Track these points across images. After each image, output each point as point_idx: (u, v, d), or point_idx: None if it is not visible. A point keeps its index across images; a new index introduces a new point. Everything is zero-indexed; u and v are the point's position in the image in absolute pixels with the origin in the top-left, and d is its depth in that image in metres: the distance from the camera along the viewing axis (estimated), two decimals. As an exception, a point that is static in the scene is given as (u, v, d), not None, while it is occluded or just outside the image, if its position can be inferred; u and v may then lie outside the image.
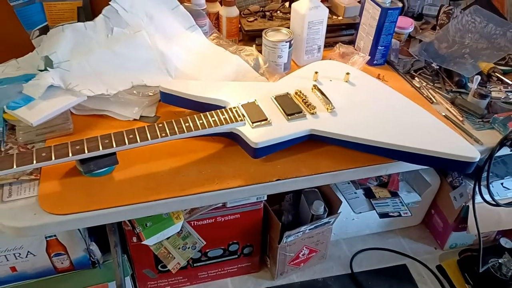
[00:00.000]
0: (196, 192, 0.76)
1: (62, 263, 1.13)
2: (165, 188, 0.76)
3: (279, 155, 0.83)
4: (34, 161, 0.71)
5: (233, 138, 0.84)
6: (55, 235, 1.07)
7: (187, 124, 0.79)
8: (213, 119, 0.81)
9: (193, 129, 0.79)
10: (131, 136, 0.76)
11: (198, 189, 0.77)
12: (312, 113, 0.85)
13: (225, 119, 0.81)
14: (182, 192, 0.76)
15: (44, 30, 0.99)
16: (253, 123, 0.81)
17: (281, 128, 0.82)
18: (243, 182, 0.79)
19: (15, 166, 0.70)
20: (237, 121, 0.81)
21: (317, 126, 0.82)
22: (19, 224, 0.70)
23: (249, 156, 0.81)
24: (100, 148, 0.74)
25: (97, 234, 1.19)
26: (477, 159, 0.79)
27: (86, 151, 0.73)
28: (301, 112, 0.84)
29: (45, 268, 1.13)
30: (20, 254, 1.07)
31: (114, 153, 0.76)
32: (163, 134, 0.77)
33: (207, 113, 0.82)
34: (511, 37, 1.14)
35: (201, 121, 0.80)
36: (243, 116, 0.82)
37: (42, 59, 0.91)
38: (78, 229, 1.09)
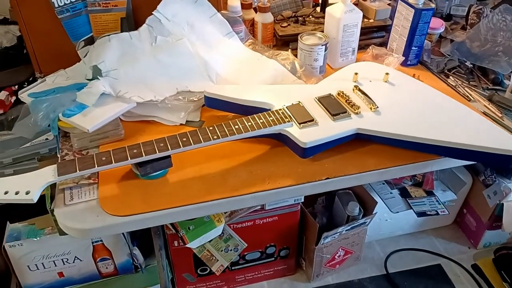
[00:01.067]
0: (249, 192, 0.78)
1: (107, 267, 1.16)
2: (219, 189, 0.79)
3: (325, 154, 0.85)
4: (96, 165, 0.74)
5: (280, 139, 0.86)
6: (101, 240, 1.10)
7: (236, 127, 0.82)
8: (261, 121, 0.83)
9: (243, 131, 0.81)
10: (184, 139, 0.79)
11: (251, 189, 0.79)
12: (357, 113, 0.87)
13: (272, 120, 0.83)
14: (235, 192, 0.78)
15: (90, 41, 1.02)
16: (300, 124, 0.83)
17: (328, 128, 0.83)
18: (294, 182, 0.81)
19: (78, 170, 0.73)
20: (284, 122, 0.83)
21: (364, 125, 0.84)
22: (84, 226, 0.73)
23: (297, 156, 0.83)
24: (157, 151, 0.77)
25: (138, 239, 1.22)
26: (524, 153, 0.80)
27: (143, 155, 0.76)
28: (346, 112, 0.86)
29: (90, 273, 1.16)
30: (68, 259, 1.10)
31: (169, 156, 0.79)
32: (215, 137, 0.80)
33: (254, 115, 0.85)
34: (542, 34, 1.15)
35: (249, 123, 0.82)
36: (290, 117, 0.84)
37: (91, 69, 0.94)
38: (122, 234, 1.12)
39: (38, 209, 1.06)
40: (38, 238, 1.04)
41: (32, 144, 1.00)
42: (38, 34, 1.00)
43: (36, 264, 1.08)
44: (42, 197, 0.89)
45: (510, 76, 1.03)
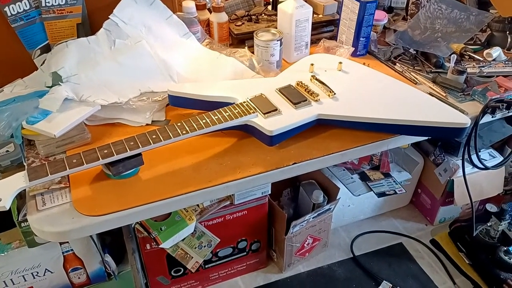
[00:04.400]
0: (222, 182, 0.81)
1: (79, 277, 1.14)
2: (193, 182, 0.81)
3: (290, 141, 0.89)
4: (67, 168, 0.74)
5: (246, 130, 0.89)
6: (72, 249, 1.08)
7: (204, 121, 0.84)
8: (227, 114, 0.86)
9: (210, 125, 0.84)
10: (154, 136, 0.80)
11: (223, 179, 0.82)
12: (316, 100, 0.92)
13: (238, 113, 0.87)
14: (209, 183, 0.81)
15: (46, 49, 1.01)
16: (264, 114, 0.87)
17: (291, 116, 0.88)
18: (263, 169, 0.84)
19: (49, 174, 0.73)
20: (249, 113, 0.87)
21: (324, 111, 0.89)
22: (60, 229, 0.72)
23: (264, 144, 0.87)
24: (127, 150, 0.78)
25: (109, 246, 1.21)
26: (468, 124, 0.88)
27: (114, 154, 0.77)
28: (306, 100, 0.91)
29: (62, 285, 1.14)
30: (38, 272, 1.07)
31: (139, 154, 0.80)
32: (184, 132, 0.82)
33: (220, 109, 0.87)
34: (474, 20, 1.26)
35: (216, 117, 0.85)
36: (254, 108, 0.88)
37: (50, 76, 0.93)
38: (93, 241, 1.11)
39: (3, 223, 1.04)
40: (5, 253, 1.01)
41: (-8, 157, 0.97)
42: (-10, 44, 0.98)
43: (4, 281, 1.05)
44: (5, 212, 0.88)
45: (450, 59, 1.12)
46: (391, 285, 1.41)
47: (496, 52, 1.16)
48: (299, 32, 1.14)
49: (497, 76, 1.10)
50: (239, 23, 1.22)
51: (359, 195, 1.40)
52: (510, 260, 1.39)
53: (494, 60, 1.16)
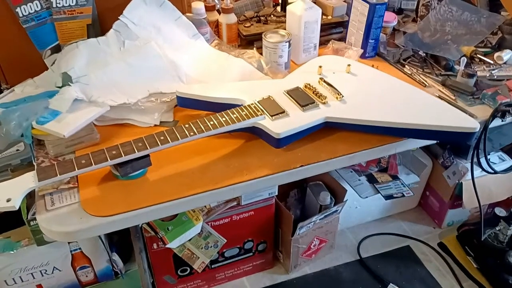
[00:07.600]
0: (229, 184, 0.81)
1: (86, 276, 1.16)
2: (199, 183, 0.81)
3: (298, 144, 0.89)
4: (76, 168, 0.75)
5: (254, 132, 0.89)
6: (80, 248, 1.10)
7: (211, 123, 0.84)
8: (235, 116, 0.87)
9: (218, 126, 0.84)
10: (162, 137, 0.81)
11: (230, 181, 0.82)
12: (324, 103, 0.92)
13: (246, 115, 0.87)
14: (216, 185, 0.81)
15: (56, 49, 1.02)
16: (272, 116, 0.87)
17: (299, 118, 0.88)
18: (270, 171, 0.84)
19: (58, 175, 0.74)
20: (257, 115, 0.87)
21: (331, 113, 0.89)
22: (69, 229, 0.73)
23: (272, 147, 0.87)
24: (136, 151, 0.78)
25: (116, 245, 1.22)
26: (477, 129, 0.87)
27: (123, 155, 0.77)
28: (314, 102, 0.91)
29: (70, 283, 1.15)
30: (46, 270, 1.09)
31: (147, 155, 0.81)
32: (192, 133, 0.82)
33: (228, 111, 0.88)
34: (485, 22, 1.25)
35: (224, 119, 0.85)
36: (262, 110, 0.88)
37: (60, 76, 0.94)
38: (101, 240, 1.12)
39: (13, 221, 1.05)
40: (14, 251, 1.02)
41: (3, 155, 0.98)
42: (2, 44, 0.99)
43: (13, 278, 1.06)
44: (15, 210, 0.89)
45: (459, 61, 1.11)
46: (397, 288, 1.41)
47: (507, 55, 1.15)
48: (307, 33, 1.14)
49: (507, 79, 1.09)
50: (248, 24, 1.22)
51: (367, 197, 1.40)
52: (519, 265, 1.38)
53: (504, 63, 1.15)
